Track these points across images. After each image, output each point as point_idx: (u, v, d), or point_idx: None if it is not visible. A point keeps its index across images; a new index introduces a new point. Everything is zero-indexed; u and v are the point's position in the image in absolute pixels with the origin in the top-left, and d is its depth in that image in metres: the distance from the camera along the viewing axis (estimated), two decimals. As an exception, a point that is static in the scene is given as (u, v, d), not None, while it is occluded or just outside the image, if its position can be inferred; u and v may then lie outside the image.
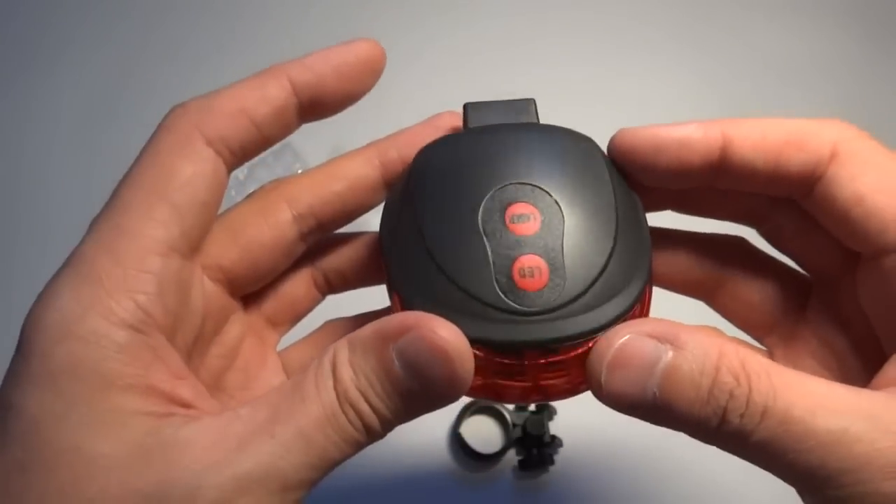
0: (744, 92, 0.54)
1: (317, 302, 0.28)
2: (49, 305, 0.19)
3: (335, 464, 0.19)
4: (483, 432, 0.43)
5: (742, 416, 0.18)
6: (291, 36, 0.54)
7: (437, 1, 0.57)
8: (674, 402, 0.19)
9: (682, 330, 0.19)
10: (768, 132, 0.22)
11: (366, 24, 0.56)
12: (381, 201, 0.26)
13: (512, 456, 0.42)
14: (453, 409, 0.43)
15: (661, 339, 0.19)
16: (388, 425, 0.20)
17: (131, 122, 0.54)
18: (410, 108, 0.50)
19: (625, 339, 0.19)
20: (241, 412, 0.19)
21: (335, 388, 0.19)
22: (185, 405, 0.20)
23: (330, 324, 0.29)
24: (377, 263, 0.27)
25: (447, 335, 0.19)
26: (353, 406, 0.19)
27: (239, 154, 0.23)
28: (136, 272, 0.20)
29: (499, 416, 0.43)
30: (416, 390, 0.19)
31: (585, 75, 0.55)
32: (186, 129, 0.22)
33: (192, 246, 0.22)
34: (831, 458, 0.18)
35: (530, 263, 0.21)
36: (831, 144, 0.22)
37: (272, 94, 0.22)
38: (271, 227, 0.24)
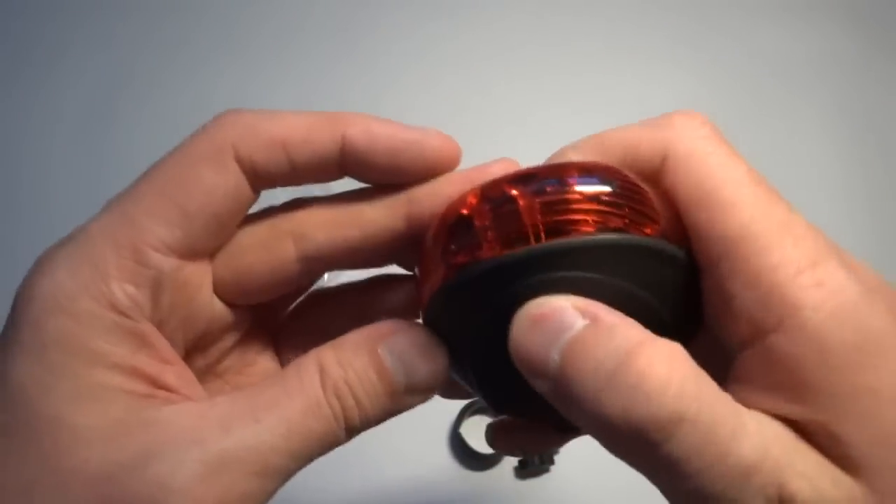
0: (743, 93, 0.54)
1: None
2: (45, 276, 0.20)
3: (311, 458, 0.20)
4: (483, 432, 0.43)
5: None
6: (293, 36, 0.55)
7: (438, 5, 0.57)
8: (572, 375, 0.17)
9: (613, 315, 0.18)
10: (607, 147, 0.21)
11: (366, 26, 0.56)
12: (399, 255, 0.23)
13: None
14: (453, 409, 0.43)
15: (583, 312, 0.18)
16: (365, 423, 0.21)
17: (132, 123, 0.54)
18: (413, 112, 0.50)
19: (549, 301, 0.18)
20: (218, 400, 0.20)
21: (322, 381, 0.20)
22: (169, 390, 0.20)
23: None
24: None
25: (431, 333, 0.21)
26: (339, 399, 0.20)
27: (265, 179, 0.22)
28: (132, 263, 0.20)
29: (499, 417, 0.43)
30: (401, 385, 0.21)
31: (583, 79, 0.55)
32: (222, 139, 0.21)
33: (194, 252, 0.22)
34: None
35: None
36: (661, 152, 0.20)
37: (319, 142, 0.22)
38: (272, 264, 0.23)
